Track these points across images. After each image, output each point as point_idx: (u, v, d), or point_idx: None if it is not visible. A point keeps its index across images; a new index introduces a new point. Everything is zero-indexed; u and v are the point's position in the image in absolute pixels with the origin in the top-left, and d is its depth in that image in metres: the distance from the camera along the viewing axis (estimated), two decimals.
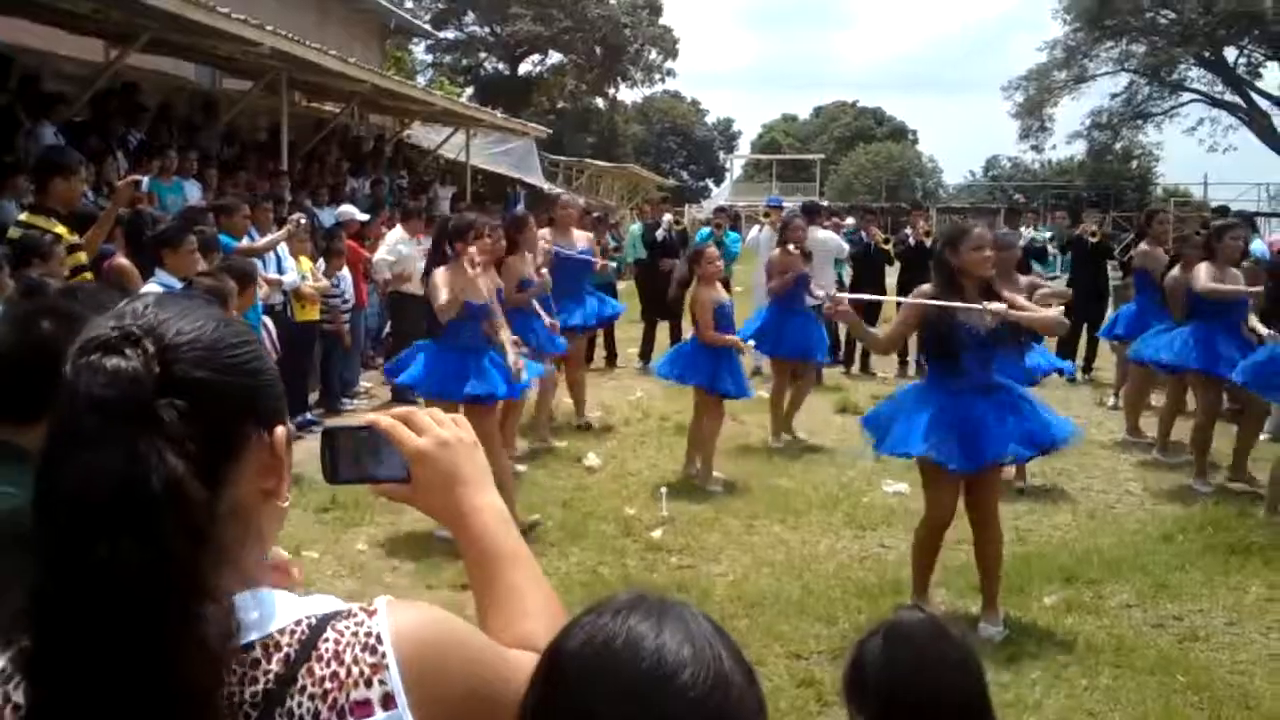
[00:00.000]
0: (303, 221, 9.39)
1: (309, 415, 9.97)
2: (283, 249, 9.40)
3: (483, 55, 51.19)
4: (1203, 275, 7.83)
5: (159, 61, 14.47)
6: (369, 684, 1.10)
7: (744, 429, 9.73)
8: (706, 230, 14.55)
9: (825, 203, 20.04)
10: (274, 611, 1.13)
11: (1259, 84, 46.01)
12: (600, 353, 13.54)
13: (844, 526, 7.07)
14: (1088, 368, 12.78)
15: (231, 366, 1.14)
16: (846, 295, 6.19)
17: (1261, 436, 9.12)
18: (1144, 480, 8.33)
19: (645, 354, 13.39)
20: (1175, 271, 8.80)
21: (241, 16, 11.75)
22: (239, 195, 10.56)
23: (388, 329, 12.27)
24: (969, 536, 5.55)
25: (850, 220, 14.66)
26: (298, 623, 1.13)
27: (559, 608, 1.37)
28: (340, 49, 16.06)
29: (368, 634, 1.12)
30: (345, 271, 10.78)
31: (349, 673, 1.10)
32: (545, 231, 9.16)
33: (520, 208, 16.09)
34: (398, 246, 11.15)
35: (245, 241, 8.92)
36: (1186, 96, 48.05)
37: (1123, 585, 5.99)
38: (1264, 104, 45.80)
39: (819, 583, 6.01)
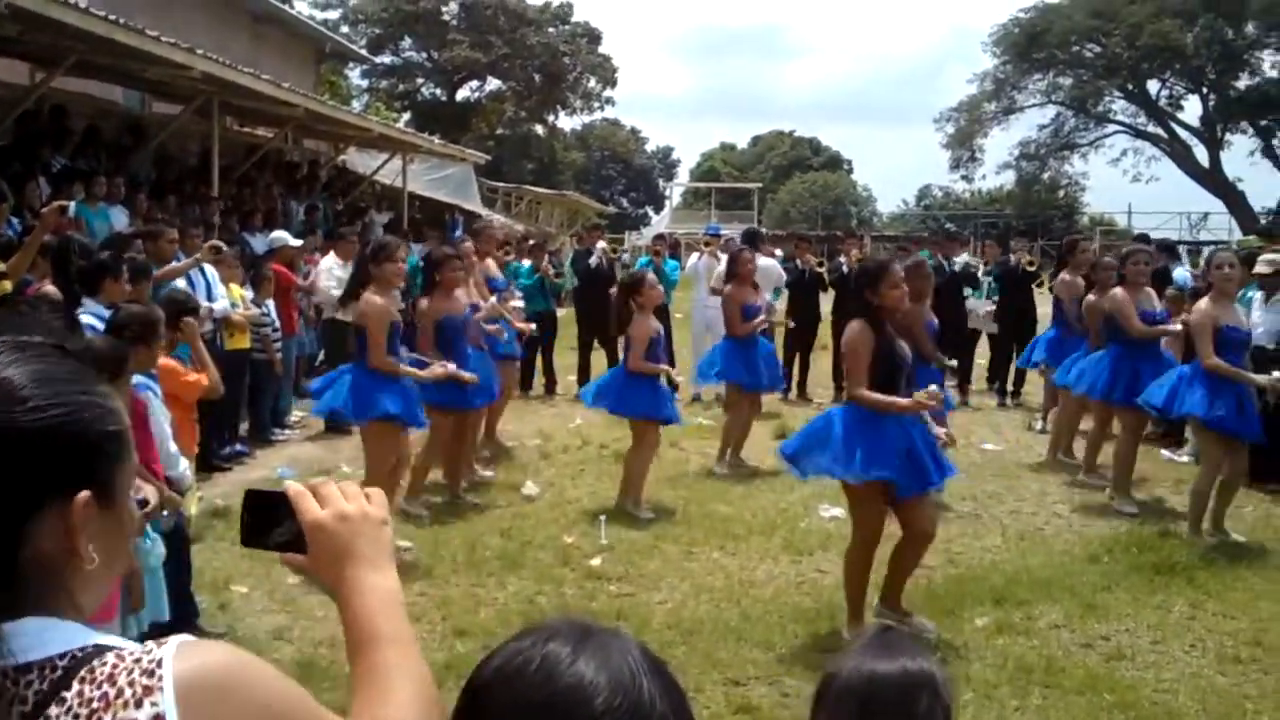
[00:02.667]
0: (225, 249, 9.20)
1: (239, 446, 9.84)
2: (213, 276, 9.24)
3: (420, 81, 51.00)
4: (1125, 309, 7.99)
5: (87, 85, 14.28)
6: (139, 704, 1.07)
7: (683, 455, 9.77)
8: (645, 258, 14.63)
9: (765, 230, 20.20)
10: (61, 638, 1.13)
11: (1180, 116, 47.38)
12: (539, 380, 13.52)
13: (781, 552, 7.11)
14: (1016, 392, 13.00)
15: (23, 430, 1.13)
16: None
17: (1184, 459, 9.33)
18: (1071, 502, 8.47)
19: (584, 381, 13.37)
20: (1091, 296, 9.01)
21: (171, 40, 11.64)
22: (168, 221, 10.41)
23: (321, 356, 12.14)
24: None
25: (779, 252, 14.78)
26: (82, 648, 1.12)
27: (429, 701, 1.31)
28: (274, 73, 15.93)
29: (151, 660, 1.10)
30: (270, 299, 10.61)
31: (120, 694, 1.08)
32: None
33: (459, 233, 16.09)
34: (333, 273, 11.05)
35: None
36: (1111, 128, 49.31)
37: (1052, 606, 6.08)
38: (1185, 135, 47.09)
39: (757, 608, 6.04)
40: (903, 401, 5.36)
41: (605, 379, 8.39)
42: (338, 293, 10.81)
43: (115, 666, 1.10)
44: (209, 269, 9.19)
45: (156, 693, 1.07)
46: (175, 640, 1.13)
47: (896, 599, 5.72)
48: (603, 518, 7.53)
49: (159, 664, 1.09)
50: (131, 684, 1.08)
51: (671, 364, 8.97)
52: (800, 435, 5.84)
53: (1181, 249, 18.91)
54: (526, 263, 13.60)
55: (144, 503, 4.17)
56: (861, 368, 5.45)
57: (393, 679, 1.29)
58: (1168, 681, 5.12)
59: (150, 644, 1.12)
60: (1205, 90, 45.66)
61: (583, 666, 1.10)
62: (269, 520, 1.37)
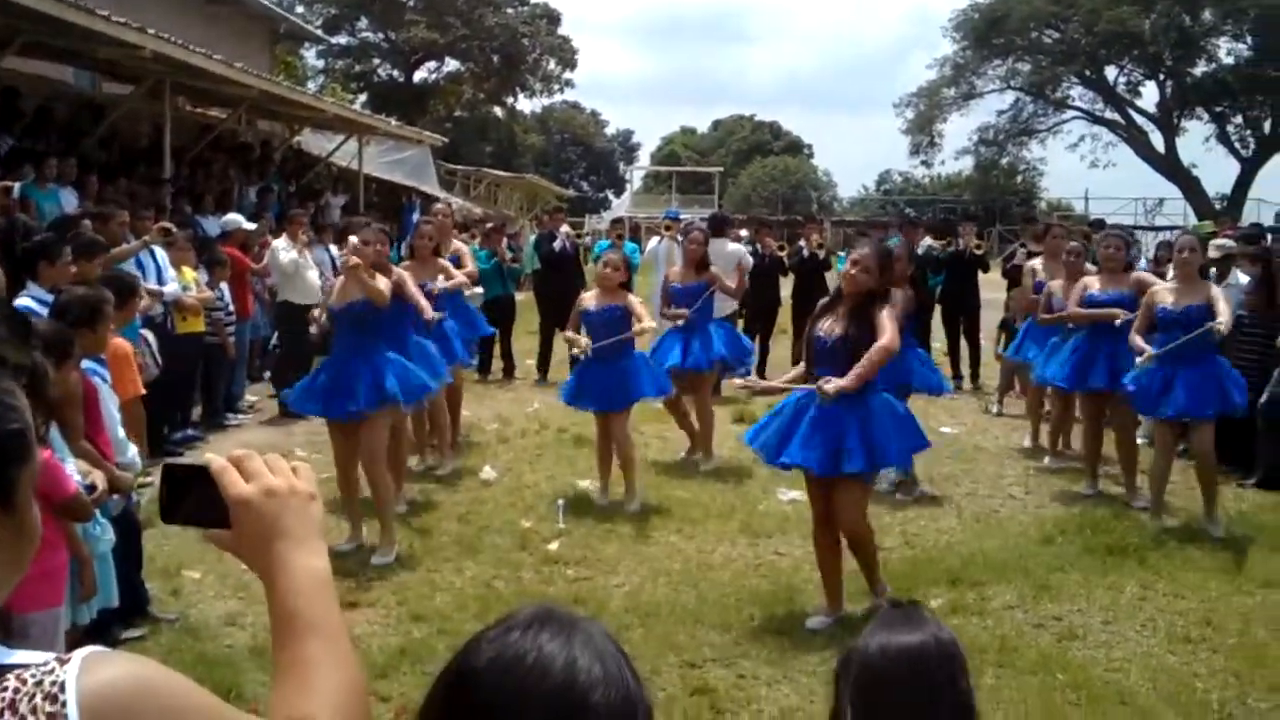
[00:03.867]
0: (175, 231, 9.06)
1: (191, 430, 9.73)
2: (164, 259, 9.11)
3: (376, 62, 50.52)
4: (1092, 284, 8.05)
5: (37, 65, 14.04)
6: None
7: (641, 439, 9.74)
8: (606, 242, 14.60)
9: (739, 216, 20.17)
10: None
11: (1138, 102, 47.84)
12: (497, 364, 13.47)
13: (739, 535, 7.12)
14: (974, 375, 13.06)
15: None
16: (757, 383, 6.48)
17: (1140, 440, 9.41)
18: (1026, 485, 8.55)
19: (543, 366, 13.35)
20: (1059, 283, 9.04)
21: (122, 19, 11.45)
22: (118, 203, 10.26)
23: (275, 340, 12.02)
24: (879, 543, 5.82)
25: (744, 232, 14.81)
26: None
27: (355, 691, 1.24)
28: (228, 53, 15.73)
29: (53, 683, 1.01)
30: (223, 283, 10.49)
31: None
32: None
33: (416, 216, 15.97)
34: (284, 254, 10.92)
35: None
36: (1069, 114, 49.73)
37: (1006, 587, 6.13)
38: (1142, 122, 47.57)
39: (714, 591, 6.04)
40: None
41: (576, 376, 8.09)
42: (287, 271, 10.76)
43: (16, 692, 1.01)
44: (159, 252, 9.06)
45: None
46: (79, 656, 1.04)
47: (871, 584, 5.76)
48: (561, 502, 7.51)
49: (61, 688, 1.01)
50: (34, 711, 1.00)
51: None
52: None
53: (1138, 234, 19.08)
54: (482, 246, 13.53)
55: (92, 487, 4.12)
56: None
57: (315, 670, 1.22)
58: (1119, 661, 5.18)
59: (52, 662, 1.04)
60: (1162, 77, 46.11)
61: (578, 659, 1.10)
62: (189, 495, 1.29)
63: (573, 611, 1.17)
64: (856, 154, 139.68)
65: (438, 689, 1.13)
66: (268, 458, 1.32)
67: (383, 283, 6.67)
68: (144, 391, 5.93)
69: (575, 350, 7.76)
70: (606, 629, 1.17)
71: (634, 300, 7.90)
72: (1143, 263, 11.29)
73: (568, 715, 1.07)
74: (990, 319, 12.87)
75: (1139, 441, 9.26)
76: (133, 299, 6.05)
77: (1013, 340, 10.44)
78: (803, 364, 5.79)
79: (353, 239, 6.87)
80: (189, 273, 9.66)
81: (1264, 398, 8.21)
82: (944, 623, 5.12)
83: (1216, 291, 7.38)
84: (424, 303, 7.24)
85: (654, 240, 14.33)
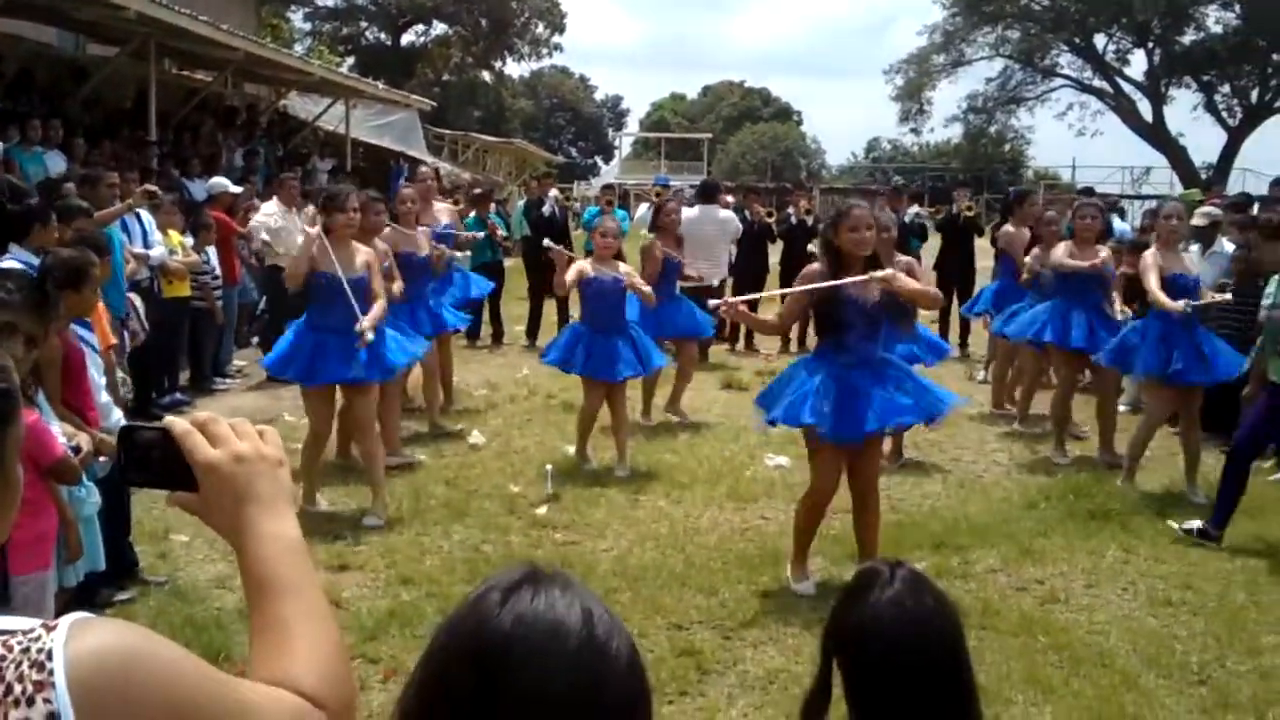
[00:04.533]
0: (160, 194, 8.98)
1: (179, 395, 9.73)
2: (149, 222, 9.06)
3: (364, 24, 50.16)
4: (1060, 253, 8.12)
5: (19, 26, 13.91)
6: (31, 703, 0.98)
7: (629, 403, 9.76)
8: (595, 208, 14.56)
9: (728, 183, 20.07)
10: None
11: (1126, 71, 47.72)
12: (486, 329, 13.47)
13: (726, 499, 7.16)
14: (963, 343, 13.12)
15: None
16: (733, 299, 6.42)
17: (1121, 408, 9.48)
18: (1010, 451, 8.62)
19: (532, 331, 13.35)
20: (1035, 251, 9.09)
21: None
22: (105, 165, 10.19)
23: (263, 305, 12.00)
24: (846, 506, 5.74)
25: (730, 199, 14.80)
26: None
27: (334, 649, 1.24)
28: (213, 15, 15.59)
29: (39, 650, 1.00)
30: (210, 247, 10.45)
31: (9, 691, 0.99)
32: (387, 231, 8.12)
33: (402, 181, 15.88)
34: (274, 218, 10.90)
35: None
36: (1057, 82, 49.58)
37: (989, 551, 6.19)
38: (1130, 90, 47.48)
39: (701, 555, 6.09)
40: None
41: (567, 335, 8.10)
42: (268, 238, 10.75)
43: (3, 659, 1.01)
44: (145, 215, 9.00)
45: (49, 689, 0.99)
46: (65, 623, 1.03)
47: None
48: (549, 467, 7.53)
49: (49, 655, 1.00)
50: (21, 679, 0.99)
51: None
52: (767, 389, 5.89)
53: (1124, 203, 19.11)
54: (471, 214, 13.48)
55: (77, 449, 4.12)
56: (791, 301, 5.66)
57: (293, 630, 1.22)
58: (1100, 624, 5.24)
59: (39, 629, 1.03)
60: (1151, 45, 45.99)
61: (593, 609, 1.14)
62: (150, 456, 1.27)
63: (555, 568, 1.20)
64: (846, 121, 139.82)
65: (454, 656, 1.14)
66: (233, 422, 1.31)
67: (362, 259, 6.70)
68: (114, 342, 5.89)
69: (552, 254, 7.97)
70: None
71: (633, 273, 7.92)
72: (1128, 230, 11.33)
73: (600, 663, 1.11)
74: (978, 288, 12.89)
75: (1121, 409, 9.35)
76: (105, 256, 5.99)
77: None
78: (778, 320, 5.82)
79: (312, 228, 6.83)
80: (175, 236, 9.62)
81: (1246, 366, 8.25)
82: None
83: (1190, 261, 7.50)
84: (378, 288, 6.89)
85: (643, 207, 14.33)
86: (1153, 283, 7.14)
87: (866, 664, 1.93)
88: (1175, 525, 6.49)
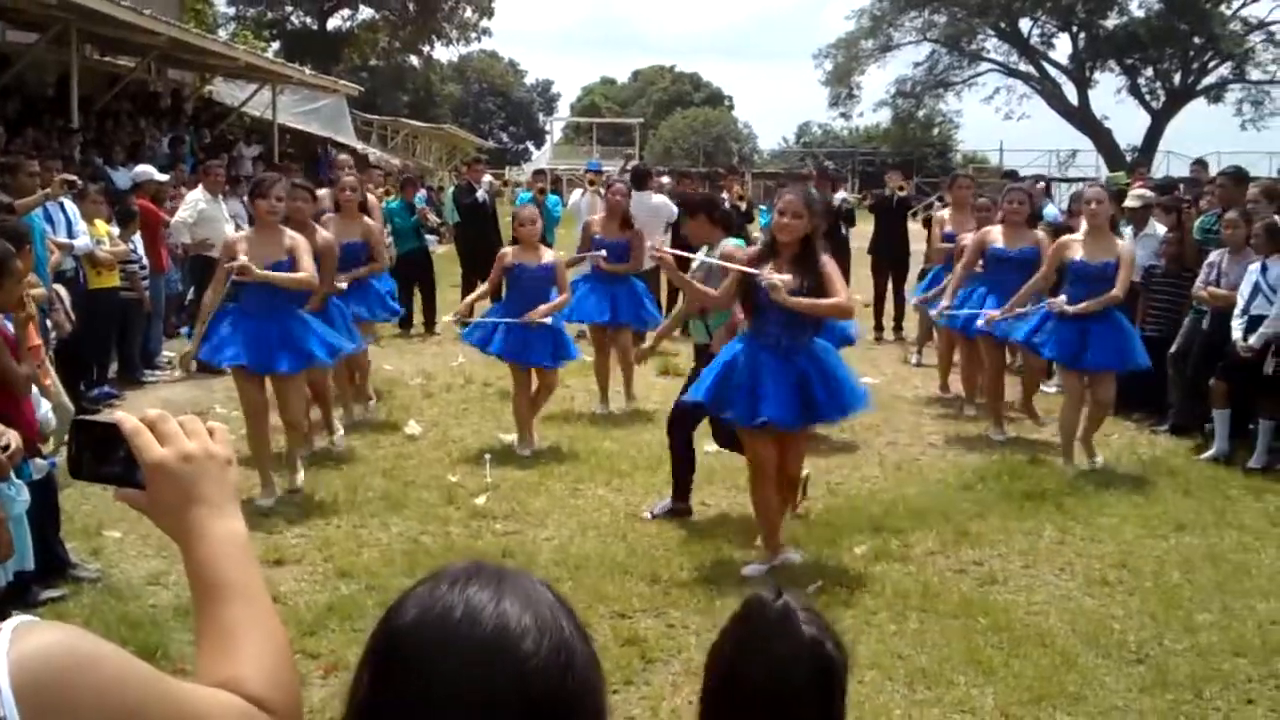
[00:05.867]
0: (79, 183, 8.76)
1: (108, 388, 9.52)
2: (73, 211, 8.85)
3: (289, 9, 49.31)
4: (990, 236, 8.29)
5: None
6: None
7: (568, 392, 9.73)
8: (527, 193, 14.47)
9: (661, 168, 20.07)
10: None
11: (1051, 54, 48.54)
12: (419, 318, 13.34)
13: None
14: (898, 326, 13.22)
15: None
16: (668, 251, 6.47)
17: (1052, 389, 9.63)
18: (945, 433, 8.71)
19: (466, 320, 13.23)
20: (969, 236, 9.20)
21: None
22: (25, 154, 9.93)
23: (191, 295, 11.78)
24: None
25: (666, 180, 14.79)
26: None
27: (281, 652, 1.24)
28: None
29: None
30: (136, 235, 10.23)
31: None
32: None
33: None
34: (199, 207, 10.71)
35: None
36: (984, 66, 50.30)
37: (927, 533, 6.24)
38: (1055, 74, 48.30)
39: (642, 542, 6.08)
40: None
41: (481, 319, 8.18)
42: (194, 224, 10.56)
43: None
44: (70, 205, 8.80)
45: None
46: (7, 628, 1.02)
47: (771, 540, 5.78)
48: (488, 456, 7.49)
49: None
50: None
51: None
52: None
53: (1052, 186, 19.39)
54: (397, 198, 13.39)
55: (5, 447, 4.02)
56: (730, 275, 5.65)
57: (239, 633, 1.22)
58: (1038, 604, 5.31)
59: None
60: (1075, 29, 46.80)
61: (508, 608, 1.09)
62: (101, 452, 1.26)
63: (504, 564, 1.17)
64: (777, 106, 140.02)
65: (369, 650, 1.12)
66: (182, 420, 1.29)
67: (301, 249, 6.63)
68: (39, 343, 5.76)
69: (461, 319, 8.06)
70: (547, 583, 1.17)
71: (560, 261, 7.92)
72: (1056, 213, 11.48)
73: (498, 664, 1.06)
74: (911, 270, 13.01)
75: (1050, 391, 9.51)
76: (25, 246, 5.85)
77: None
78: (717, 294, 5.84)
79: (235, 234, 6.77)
80: (101, 226, 9.41)
81: (1174, 347, 8.43)
82: (866, 570, 5.15)
83: (1125, 246, 7.60)
84: (302, 276, 6.70)
85: (576, 193, 14.25)
86: (1041, 270, 7.48)
87: (720, 702, 1.78)
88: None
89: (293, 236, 6.69)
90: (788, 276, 5.28)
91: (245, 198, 6.83)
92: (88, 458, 1.27)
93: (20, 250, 5.61)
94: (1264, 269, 7.65)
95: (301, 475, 6.92)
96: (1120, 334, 7.39)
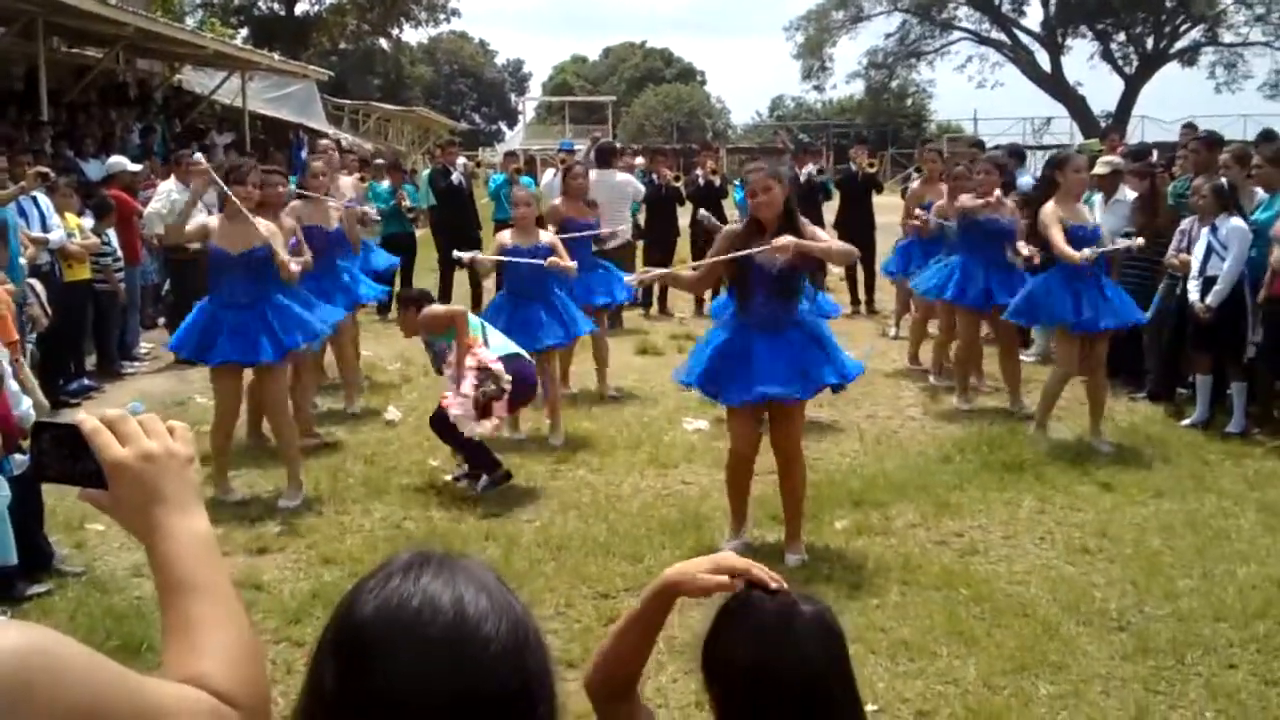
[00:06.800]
0: (54, 176, 8.72)
1: (86, 380, 9.47)
2: (47, 205, 8.80)
3: None
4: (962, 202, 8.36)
5: None
6: None
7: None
8: (500, 175, 14.42)
9: (620, 145, 19.98)
10: None
11: (1023, 22, 48.51)
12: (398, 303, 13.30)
13: (647, 465, 7.18)
14: (870, 299, 13.27)
15: None
16: (647, 273, 6.52)
17: (1029, 358, 9.69)
18: (924, 405, 8.76)
19: (444, 302, 13.18)
20: (942, 203, 9.27)
21: None
22: None
23: (167, 286, 11.72)
24: (774, 467, 5.72)
25: (640, 160, 14.74)
26: None
27: (247, 648, 1.24)
28: None
29: None
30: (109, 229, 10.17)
31: None
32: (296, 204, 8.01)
33: (305, 153, 15.62)
34: (171, 197, 10.64)
35: None
36: (956, 35, 50.30)
37: (908, 506, 6.28)
38: (1027, 41, 48.30)
39: (624, 522, 6.10)
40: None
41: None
42: (166, 214, 10.48)
43: None
44: (42, 198, 8.76)
45: None
46: None
47: (795, 537, 5.64)
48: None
49: None
50: None
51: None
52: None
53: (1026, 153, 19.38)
54: (385, 183, 13.33)
55: None
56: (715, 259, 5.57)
57: (205, 629, 1.22)
58: (1019, 574, 5.36)
59: None
60: None
61: (464, 594, 1.10)
62: (63, 453, 1.28)
63: (447, 550, 1.18)
64: (749, 80, 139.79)
65: (324, 646, 1.13)
66: (142, 419, 1.30)
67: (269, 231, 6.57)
68: (16, 338, 5.75)
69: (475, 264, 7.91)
70: (484, 562, 1.19)
71: (557, 240, 7.86)
72: (1029, 180, 11.51)
73: (462, 650, 1.08)
74: (884, 242, 13.02)
75: (1029, 359, 9.57)
76: None
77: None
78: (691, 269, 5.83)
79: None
80: (73, 219, 9.37)
81: (1149, 313, 8.47)
82: (848, 544, 5.15)
83: (1089, 212, 7.71)
84: (285, 258, 6.66)
85: (549, 173, 14.21)
86: (1057, 236, 7.25)
87: (734, 698, 1.75)
88: None
89: (267, 225, 6.66)
90: (787, 237, 5.23)
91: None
92: (50, 459, 1.28)
93: None
94: (1214, 229, 7.74)
95: (300, 498, 6.52)
96: (1118, 292, 7.51)
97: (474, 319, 6.84)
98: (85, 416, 1.27)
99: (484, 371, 6.37)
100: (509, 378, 6.38)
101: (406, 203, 13.42)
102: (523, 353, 6.83)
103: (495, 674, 1.09)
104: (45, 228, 8.68)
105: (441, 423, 6.59)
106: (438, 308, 6.96)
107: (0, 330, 5.36)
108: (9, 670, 0.99)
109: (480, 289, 12.03)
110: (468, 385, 6.34)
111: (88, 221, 9.75)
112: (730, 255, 5.41)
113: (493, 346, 6.65)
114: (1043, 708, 4.11)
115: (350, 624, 1.11)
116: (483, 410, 6.35)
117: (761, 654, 1.72)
